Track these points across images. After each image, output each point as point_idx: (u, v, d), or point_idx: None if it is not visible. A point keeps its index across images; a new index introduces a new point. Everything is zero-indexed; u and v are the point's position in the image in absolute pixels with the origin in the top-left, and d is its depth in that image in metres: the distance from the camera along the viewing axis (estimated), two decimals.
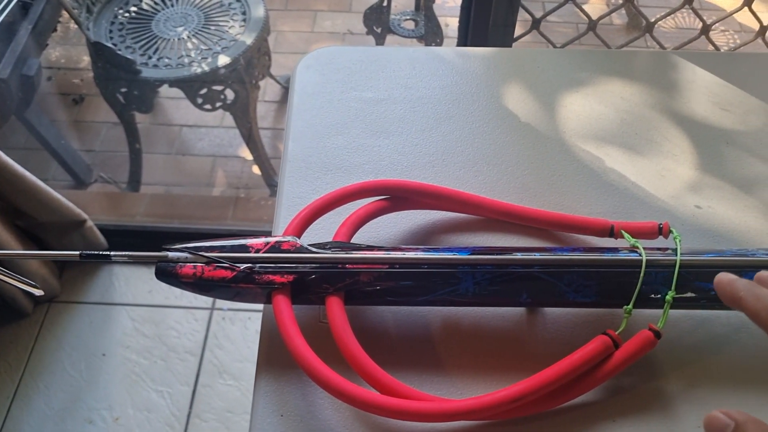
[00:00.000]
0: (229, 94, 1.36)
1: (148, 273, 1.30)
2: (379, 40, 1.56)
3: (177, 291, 1.32)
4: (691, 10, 0.91)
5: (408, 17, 1.56)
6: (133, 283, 1.29)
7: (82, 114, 1.70)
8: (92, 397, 1.18)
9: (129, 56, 1.31)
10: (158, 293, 1.28)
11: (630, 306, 0.48)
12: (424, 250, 0.49)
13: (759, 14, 0.91)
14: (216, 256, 0.49)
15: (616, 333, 0.47)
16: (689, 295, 0.48)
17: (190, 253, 0.49)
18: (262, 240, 0.50)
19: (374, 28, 1.54)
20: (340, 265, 0.48)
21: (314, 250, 0.49)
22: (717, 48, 1.02)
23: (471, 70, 0.68)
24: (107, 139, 1.64)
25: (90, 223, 1.25)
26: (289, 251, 0.49)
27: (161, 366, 1.21)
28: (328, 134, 0.62)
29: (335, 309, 0.47)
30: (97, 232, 1.28)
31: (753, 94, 0.66)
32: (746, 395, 0.48)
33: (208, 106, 1.36)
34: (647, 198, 0.59)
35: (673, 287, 0.47)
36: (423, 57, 0.69)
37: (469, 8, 0.87)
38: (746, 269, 0.48)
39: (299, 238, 0.51)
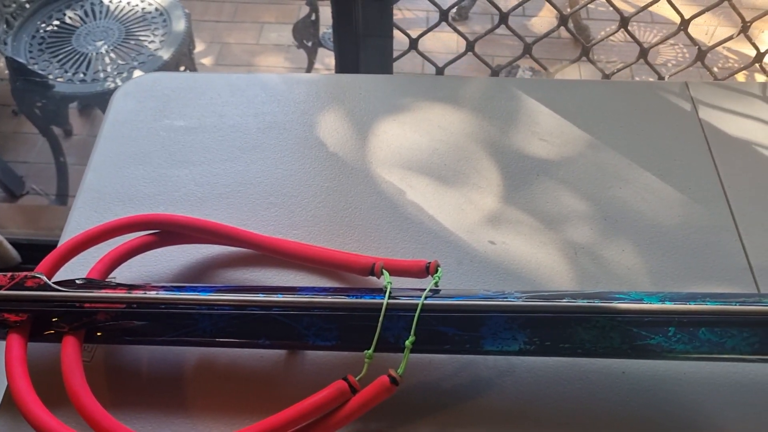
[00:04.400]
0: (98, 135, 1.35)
1: None
2: (311, 55, 1.55)
3: None
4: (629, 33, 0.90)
5: None
6: None
7: (20, 125, 1.71)
8: None
9: (41, 71, 1.31)
10: None
11: (370, 351, 0.46)
12: (166, 290, 0.48)
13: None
14: None
15: (356, 378, 0.46)
16: (432, 339, 0.46)
17: None
18: (8, 276, 0.49)
19: (304, 41, 1.53)
20: (77, 304, 0.47)
21: (57, 288, 0.48)
22: (656, 71, 0.98)
23: (291, 98, 0.67)
24: (43, 150, 1.64)
25: (0, 237, 1.25)
26: (31, 288, 0.48)
27: None
28: (128, 164, 0.61)
29: (68, 349, 0.46)
30: (8, 247, 1.28)
31: (575, 124, 0.65)
32: None
33: None
34: (442, 232, 0.57)
35: (412, 332, 0.46)
36: (244, 84, 0.68)
37: (335, 14, 0.86)
38: (490, 314, 0.46)
39: (52, 274, 0.50)
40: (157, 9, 1.43)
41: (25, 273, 0.49)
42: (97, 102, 1.34)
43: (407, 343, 0.46)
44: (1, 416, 0.48)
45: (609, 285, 0.54)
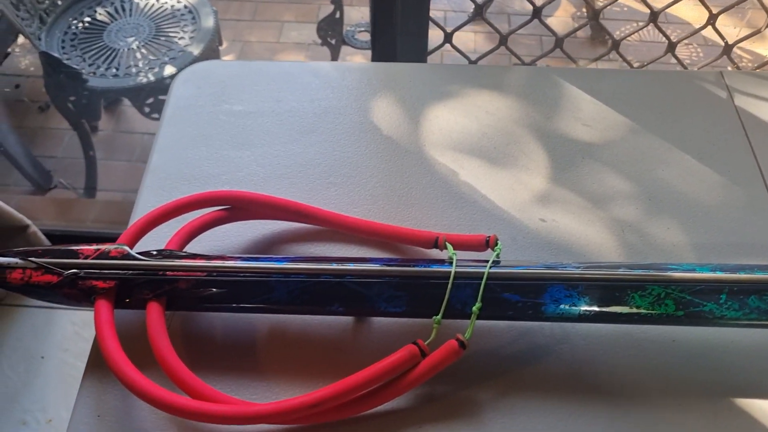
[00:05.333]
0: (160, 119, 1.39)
1: None
2: (334, 52, 1.58)
3: None
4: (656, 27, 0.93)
5: (363, 29, 1.58)
6: None
7: (47, 121, 1.74)
8: (28, 399, 1.21)
9: (76, 66, 1.34)
10: None
11: (438, 317, 0.49)
12: (243, 259, 0.51)
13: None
14: (44, 262, 0.51)
15: (425, 342, 0.49)
16: (496, 306, 0.49)
17: (20, 258, 0.51)
18: (93, 246, 0.52)
19: (329, 39, 1.56)
20: (160, 272, 0.50)
21: (139, 257, 0.51)
22: (683, 65, 1.02)
23: (344, 84, 0.69)
24: (70, 146, 1.68)
25: (34, 228, 1.28)
26: (115, 258, 0.51)
27: None
28: (192, 146, 0.64)
29: (153, 314, 0.49)
30: (42, 238, 1.31)
31: (616, 110, 0.68)
32: (553, 405, 0.49)
33: (155, 115, 1.38)
34: (495, 210, 0.60)
35: (479, 299, 0.49)
36: (298, 71, 0.70)
37: (375, 15, 0.89)
38: (552, 282, 0.49)
39: (133, 245, 0.53)
40: (185, 6, 1.46)
41: (108, 244, 0.52)
42: (130, 96, 1.38)
43: (474, 308, 0.49)
44: (88, 377, 0.51)
45: (656, 259, 0.57)
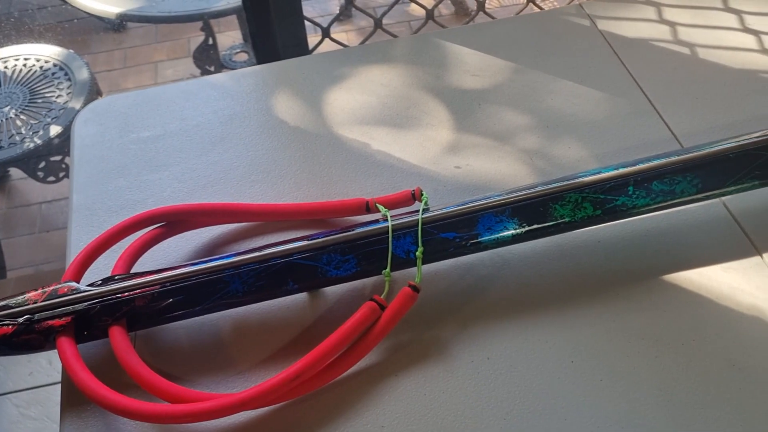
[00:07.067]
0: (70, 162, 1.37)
1: (26, 356, 1.28)
2: None
3: (58, 366, 1.31)
4: None
5: (238, 50, 1.59)
6: (12, 369, 1.28)
7: None
8: None
9: None
10: (39, 374, 1.27)
11: (387, 270, 0.52)
12: (193, 264, 0.52)
13: None
14: None
15: (381, 296, 0.52)
16: (437, 247, 0.53)
17: None
18: (39, 291, 0.52)
19: (206, 67, 1.57)
20: (115, 296, 0.51)
21: (89, 288, 0.51)
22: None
23: (241, 90, 0.72)
24: None
25: None
26: (65, 295, 0.51)
27: None
28: (110, 179, 0.65)
29: (117, 337, 0.50)
30: None
31: (498, 57, 0.73)
32: (510, 324, 0.53)
33: (51, 179, 1.36)
34: (412, 169, 0.64)
35: (419, 244, 0.52)
36: (195, 88, 0.72)
37: (254, 35, 0.91)
38: (481, 212, 0.53)
39: (79, 280, 0.54)
40: (55, 65, 1.44)
41: (53, 284, 0.52)
42: (20, 165, 1.34)
43: (417, 253, 0.52)
44: (67, 417, 0.51)
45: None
